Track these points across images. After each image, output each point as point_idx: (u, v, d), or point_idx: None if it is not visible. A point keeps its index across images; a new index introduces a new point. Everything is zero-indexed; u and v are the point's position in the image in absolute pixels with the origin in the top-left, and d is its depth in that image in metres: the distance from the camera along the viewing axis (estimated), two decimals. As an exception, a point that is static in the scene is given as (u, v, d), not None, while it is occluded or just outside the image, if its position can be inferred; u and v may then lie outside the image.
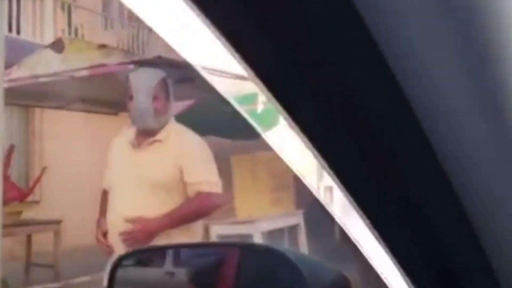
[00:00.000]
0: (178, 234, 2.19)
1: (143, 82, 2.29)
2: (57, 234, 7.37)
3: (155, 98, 2.27)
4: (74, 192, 9.94)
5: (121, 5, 12.99)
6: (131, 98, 2.30)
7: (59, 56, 5.64)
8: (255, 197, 5.73)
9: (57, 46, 5.71)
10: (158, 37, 11.86)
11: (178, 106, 9.33)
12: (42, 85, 5.85)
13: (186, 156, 2.26)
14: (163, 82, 2.33)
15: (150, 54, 11.08)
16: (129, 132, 2.41)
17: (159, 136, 2.30)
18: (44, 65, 5.64)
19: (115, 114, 8.79)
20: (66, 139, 10.08)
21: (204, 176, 2.30)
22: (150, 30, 11.77)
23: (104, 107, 8.26)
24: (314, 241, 6.10)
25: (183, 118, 9.70)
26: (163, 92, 2.32)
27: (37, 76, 5.59)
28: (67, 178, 9.65)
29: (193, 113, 10.08)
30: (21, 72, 5.38)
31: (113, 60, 5.35)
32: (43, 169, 8.02)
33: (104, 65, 5.10)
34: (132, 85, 2.30)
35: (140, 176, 2.27)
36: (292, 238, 6.50)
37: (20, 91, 5.60)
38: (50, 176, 8.64)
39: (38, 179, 8.09)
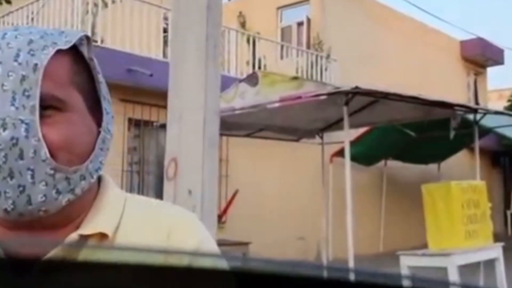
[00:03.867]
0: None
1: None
2: (245, 255, 7.78)
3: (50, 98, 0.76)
4: (257, 215, 10.40)
5: (300, 34, 13.44)
6: None
7: (254, 89, 5.99)
8: (448, 228, 5.48)
9: (252, 79, 6.07)
10: (336, 64, 12.03)
11: (355, 133, 9.30)
12: (235, 116, 6.25)
13: None
14: (78, 64, 0.81)
15: (328, 80, 11.24)
16: None
17: (100, 224, 0.81)
18: (240, 98, 6.03)
19: (296, 140, 9.08)
20: (249, 164, 10.61)
21: None
22: (328, 56, 11.99)
23: (286, 134, 8.55)
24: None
25: (359, 143, 9.62)
26: (76, 89, 0.79)
27: (234, 109, 5.99)
28: (251, 201, 10.13)
29: (370, 138, 10.03)
30: (221, 105, 5.79)
31: (305, 90, 5.53)
32: (236, 192, 8.48)
33: (298, 97, 5.29)
34: None
35: None
36: (489, 273, 6.11)
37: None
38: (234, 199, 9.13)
39: (231, 201, 8.58)
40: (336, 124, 7.23)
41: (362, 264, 5.77)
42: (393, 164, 12.40)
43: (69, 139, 0.77)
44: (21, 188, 0.74)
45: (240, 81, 6.40)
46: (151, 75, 8.54)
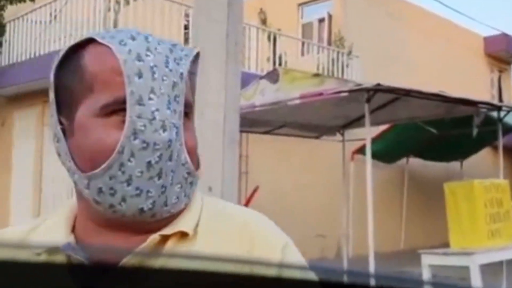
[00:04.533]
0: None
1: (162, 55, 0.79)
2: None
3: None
4: (277, 212, 10.39)
5: (321, 30, 13.38)
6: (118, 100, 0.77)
7: (274, 86, 5.98)
8: (470, 227, 5.42)
9: (272, 76, 6.06)
10: (357, 60, 11.95)
11: (376, 130, 9.23)
12: (256, 113, 6.25)
13: None
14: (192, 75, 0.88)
15: (350, 77, 11.17)
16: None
17: (181, 225, 0.81)
18: (260, 95, 6.03)
19: (317, 137, 9.06)
20: (269, 161, 10.60)
21: None
22: (349, 53, 11.91)
23: (305, 131, 8.53)
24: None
25: (380, 141, 9.50)
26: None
27: (254, 106, 6.00)
28: (271, 197, 10.12)
29: (391, 135, 9.95)
30: (241, 102, 5.79)
31: (326, 87, 5.51)
32: (256, 188, 8.47)
33: (319, 94, 5.28)
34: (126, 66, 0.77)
35: None
36: (511, 272, 6.03)
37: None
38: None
39: (251, 198, 8.58)
40: (357, 121, 7.19)
41: (382, 262, 5.73)
42: (415, 162, 12.29)
43: (196, 145, 0.82)
44: (163, 189, 0.76)
45: (261, 78, 6.40)
46: (172, 72, 8.56)
